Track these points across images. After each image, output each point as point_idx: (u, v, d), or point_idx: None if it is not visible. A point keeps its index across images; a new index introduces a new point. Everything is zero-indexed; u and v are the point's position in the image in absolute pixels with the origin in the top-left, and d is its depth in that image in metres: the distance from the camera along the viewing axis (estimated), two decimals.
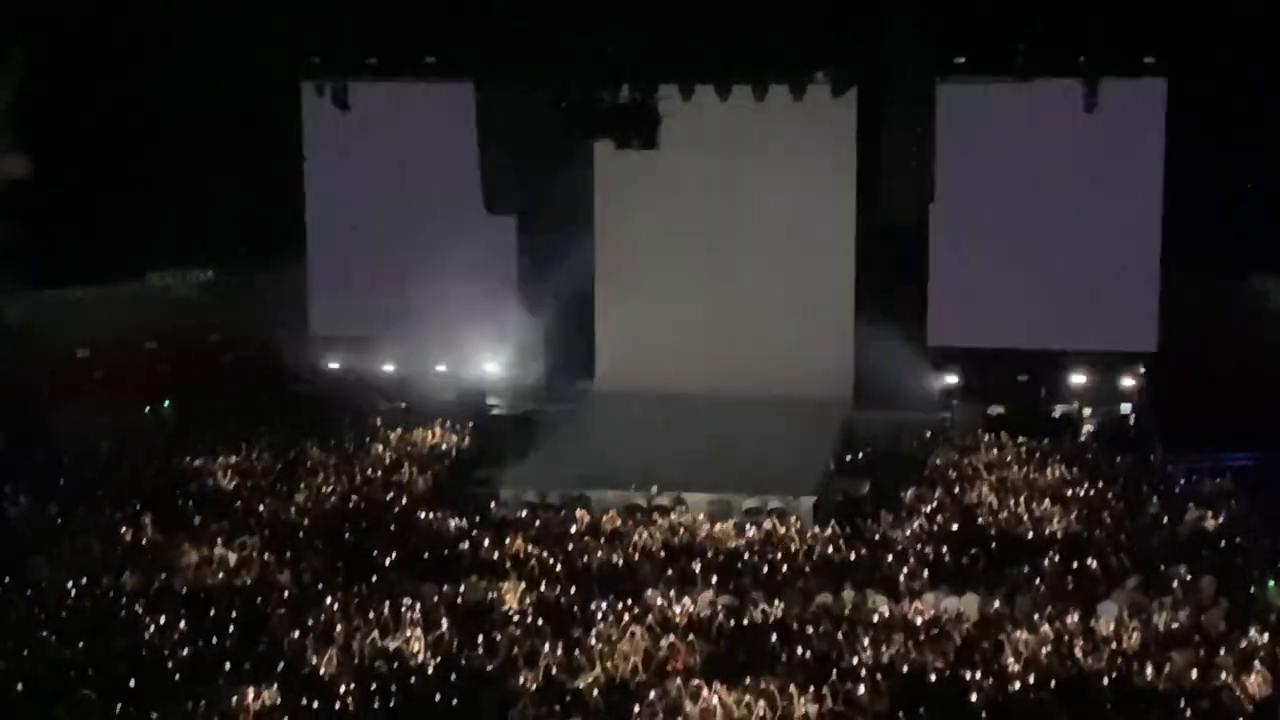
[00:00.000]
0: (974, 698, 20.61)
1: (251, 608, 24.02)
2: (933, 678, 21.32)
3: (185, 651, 22.05)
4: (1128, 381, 37.49)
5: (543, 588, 24.98)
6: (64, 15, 34.33)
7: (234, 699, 20.30)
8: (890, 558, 26.59)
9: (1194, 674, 21.17)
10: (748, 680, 20.61)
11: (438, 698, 20.65)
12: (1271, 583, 24.66)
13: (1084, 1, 33.13)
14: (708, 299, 38.42)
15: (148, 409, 36.49)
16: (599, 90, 34.66)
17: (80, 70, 35.04)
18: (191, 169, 35.35)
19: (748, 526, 28.51)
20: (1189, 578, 25.06)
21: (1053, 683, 20.99)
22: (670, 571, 25.75)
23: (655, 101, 34.48)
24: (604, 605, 23.76)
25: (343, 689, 20.71)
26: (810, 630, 22.94)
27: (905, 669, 21.67)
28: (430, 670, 21.54)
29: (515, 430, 36.17)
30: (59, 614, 23.58)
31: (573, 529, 28.52)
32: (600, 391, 39.29)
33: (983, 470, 32.14)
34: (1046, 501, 29.64)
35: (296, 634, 22.66)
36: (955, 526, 28.46)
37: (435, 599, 24.27)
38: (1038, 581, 25.18)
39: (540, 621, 23.22)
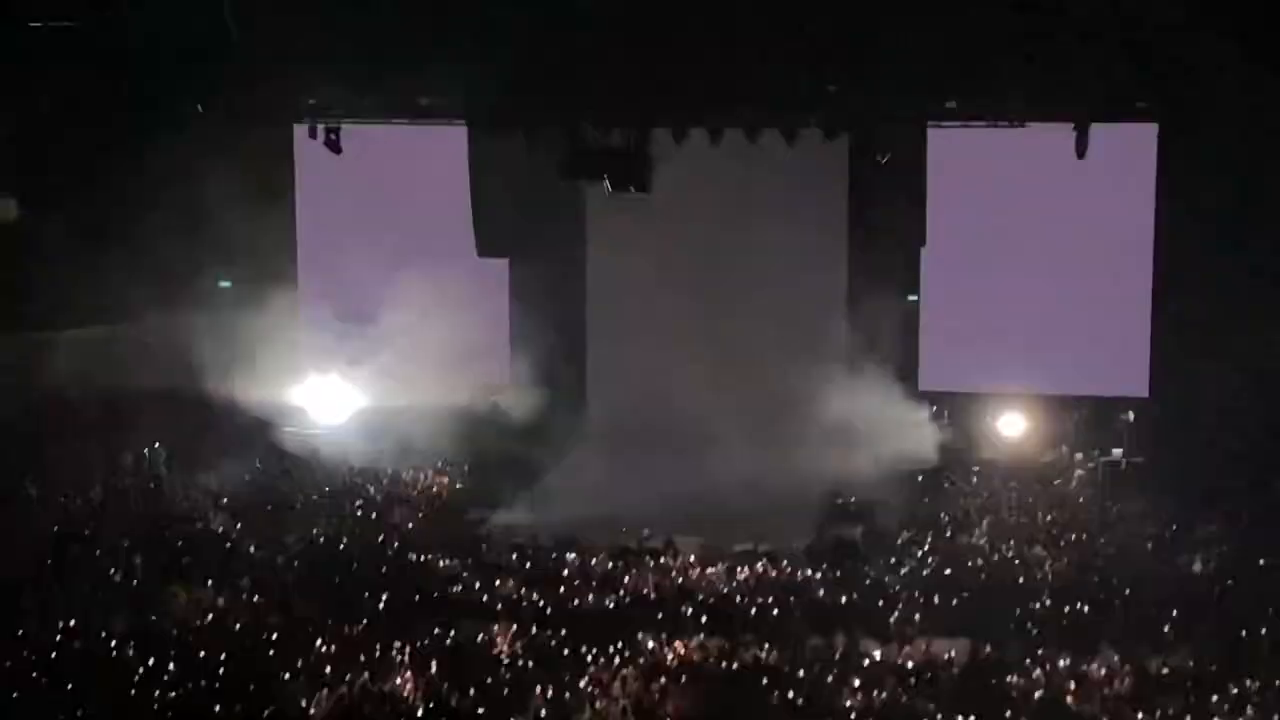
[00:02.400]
0: None
1: (241, 650, 23.95)
2: None
3: (175, 693, 21.98)
4: (1119, 426, 37.46)
5: (533, 630, 24.93)
6: (52, 55, 34.34)
7: None
8: (882, 602, 26.55)
9: (1187, 719, 21.16)
10: None
11: None
12: (1264, 629, 24.62)
13: (1075, 47, 33.20)
14: (699, 342, 38.35)
15: (138, 450, 36.37)
16: (591, 133, 34.71)
17: (69, 111, 35.04)
18: (182, 210, 35.34)
19: (739, 570, 28.44)
20: (1181, 622, 25.03)
21: None
22: (661, 615, 25.70)
23: (648, 145, 34.53)
24: (595, 648, 23.72)
25: None
26: (802, 674, 22.91)
27: (897, 714, 21.63)
28: (420, 713, 21.51)
29: (506, 472, 36.08)
30: (48, 655, 23.50)
31: (564, 571, 28.45)
32: (592, 433, 39.24)
33: (975, 514, 32.11)
34: (1038, 546, 29.61)
35: (286, 676, 22.59)
36: (947, 571, 28.42)
37: (426, 641, 24.22)
38: (1030, 626, 25.14)
39: (531, 664, 23.17)
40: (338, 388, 39.63)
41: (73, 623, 24.86)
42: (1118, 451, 37.30)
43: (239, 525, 31.33)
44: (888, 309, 37.78)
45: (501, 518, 32.04)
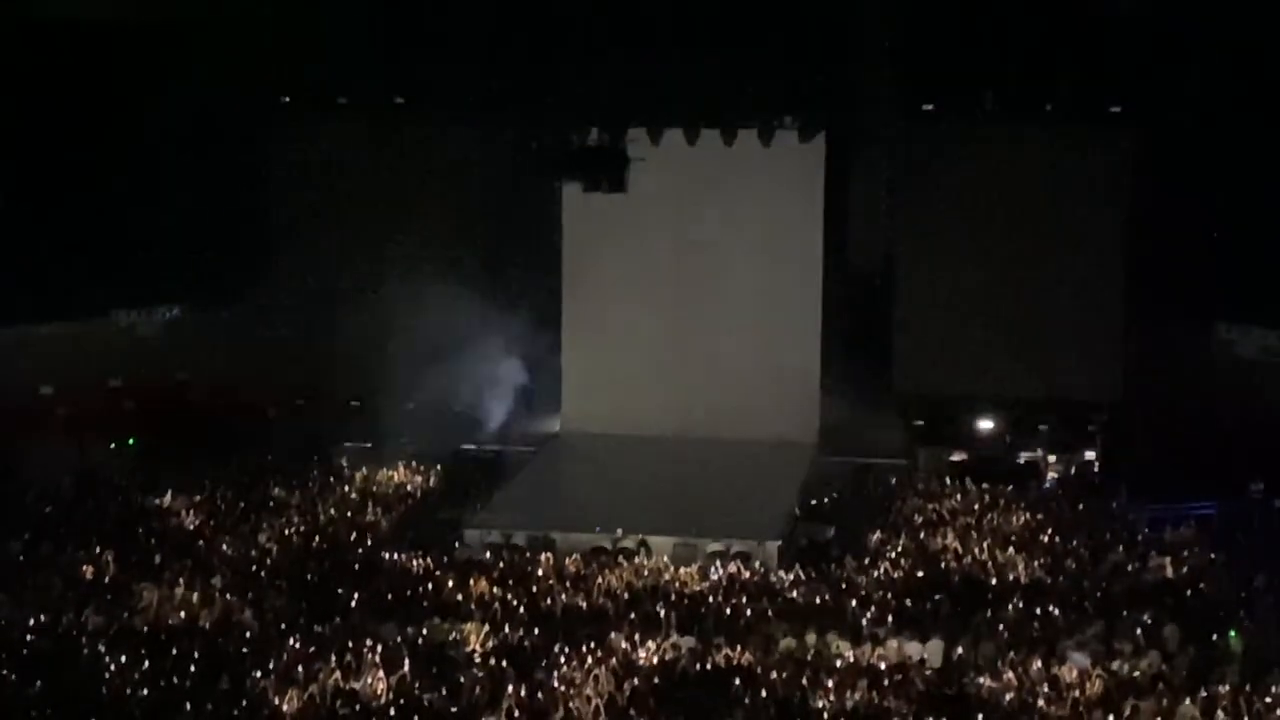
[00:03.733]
0: None
1: (213, 647, 23.91)
2: None
3: (146, 691, 21.94)
4: (1092, 429, 37.58)
5: (506, 629, 24.92)
6: (31, 54, 34.31)
7: None
8: (854, 603, 26.58)
9: None
10: None
11: None
12: (1233, 632, 24.73)
13: (1051, 50, 33.34)
14: (674, 342, 38.40)
15: (111, 446, 36.28)
16: (568, 132, 34.71)
17: (46, 108, 35.01)
18: (158, 206, 35.32)
19: (712, 570, 28.46)
20: (1152, 625, 25.12)
21: None
22: (634, 615, 25.71)
23: (624, 144, 34.53)
24: (567, 648, 23.72)
25: None
26: (774, 674, 22.93)
27: (868, 714, 21.67)
28: (392, 712, 21.48)
29: (480, 471, 36.03)
30: (19, 651, 23.44)
31: (537, 571, 28.43)
32: (566, 433, 39.24)
33: (947, 516, 32.17)
34: (1010, 548, 29.67)
35: (258, 674, 22.56)
36: (919, 572, 28.48)
37: (398, 640, 24.20)
38: (1001, 628, 25.20)
39: (503, 663, 23.16)
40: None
41: (44, 620, 24.74)
42: (1090, 454, 37.47)
43: (212, 523, 31.23)
44: (862, 310, 37.85)
45: (475, 517, 31.95)
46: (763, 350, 37.99)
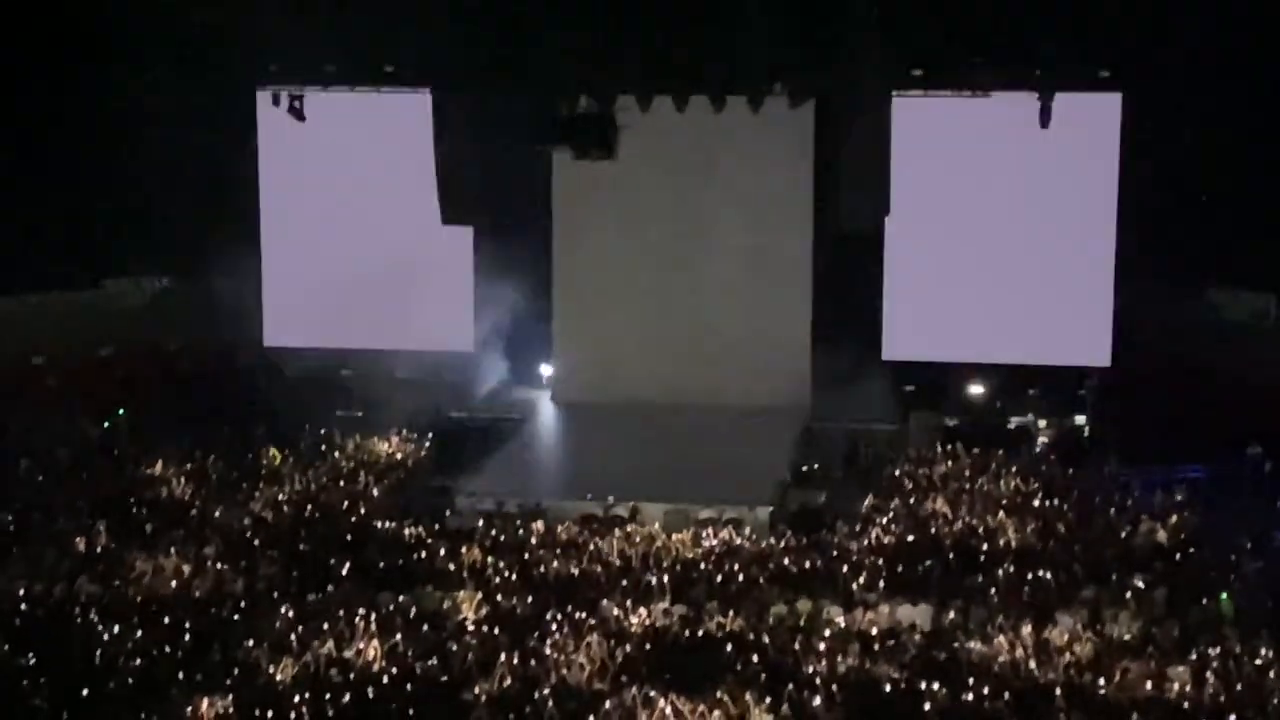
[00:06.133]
0: (928, 708, 20.70)
1: (205, 616, 23.95)
2: (887, 688, 21.41)
3: (139, 660, 21.97)
4: (1082, 394, 37.66)
5: (499, 598, 24.96)
6: (17, 21, 34.15)
7: (188, 708, 20.28)
8: (845, 568, 26.63)
9: (1147, 685, 21.31)
10: (703, 691, 20.64)
11: (392, 707, 20.64)
12: (1224, 595, 24.82)
13: (1039, 16, 33.25)
14: (664, 309, 38.42)
15: (102, 416, 36.27)
16: (557, 100, 34.66)
17: (33, 76, 34.88)
18: (146, 176, 35.23)
19: (704, 537, 28.49)
20: (1142, 589, 25.22)
21: (1006, 693, 21.08)
22: (626, 582, 25.76)
23: (613, 111, 34.50)
24: (559, 615, 23.78)
25: (297, 698, 20.67)
26: (765, 640, 23.01)
27: (860, 679, 21.74)
28: (385, 680, 21.51)
29: (471, 439, 36.06)
30: (12, 621, 23.46)
31: (529, 539, 28.47)
32: (557, 401, 39.29)
33: (938, 482, 32.26)
34: (1001, 513, 29.74)
35: (250, 643, 22.60)
36: (910, 537, 28.54)
37: (390, 608, 24.24)
38: (992, 592, 25.29)
39: (496, 631, 23.21)
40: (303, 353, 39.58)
41: (36, 589, 24.76)
42: (1080, 418, 37.56)
43: (203, 492, 31.25)
44: (852, 277, 37.84)
45: (466, 485, 31.98)
46: (753, 317, 38.00)
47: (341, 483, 32.25)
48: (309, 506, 30.45)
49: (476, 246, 38.92)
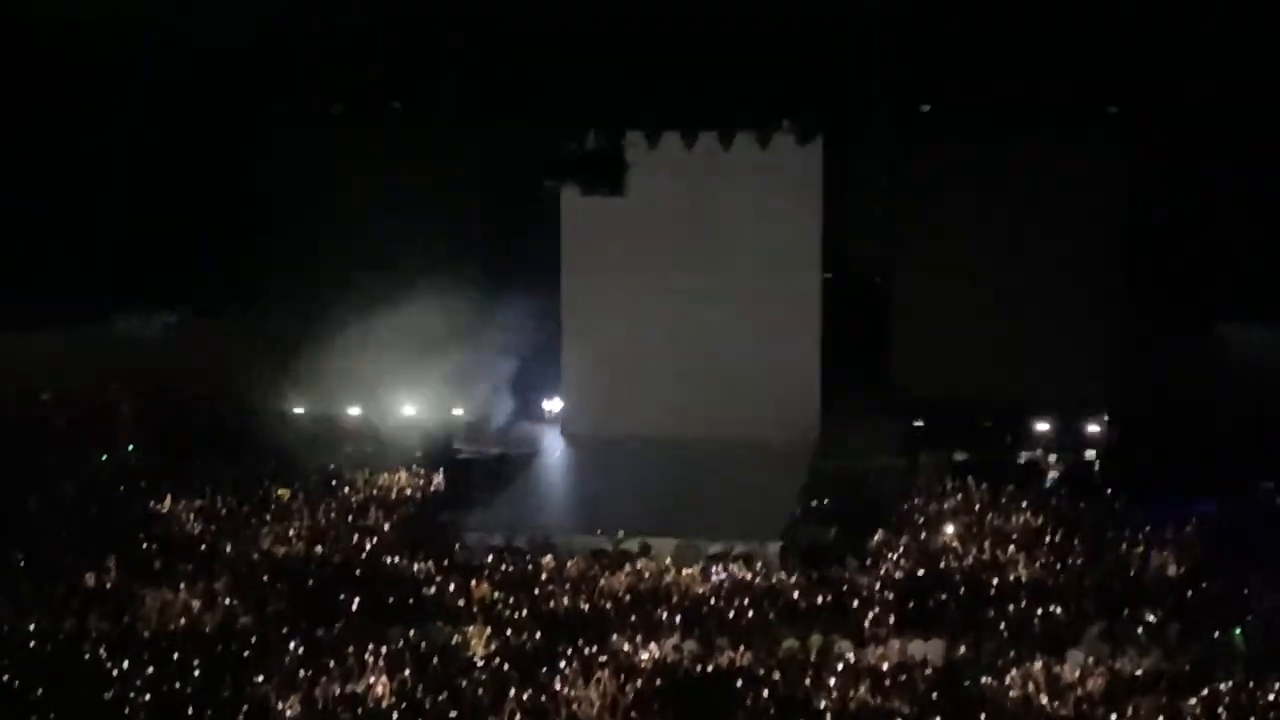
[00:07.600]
0: None
1: (215, 652, 23.90)
2: None
3: (148, 696, 21.93)
4: (1092, 429, 37.58)
5: (508, 633, 24.90)
6: (30, 59, 34.33)
7: None
8: (856, 603, 26.58)
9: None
10: None
11: None
12: (1236, 630, 24.73)
13: (1047, 53, 33.35)
14: (673, 344, 38.36)
15: (112, 452, 36.27)
16: (566, 136, 34.73)
17: (45, 115, 35.03)
18: (157, 213, 35.33)
19: (714, 572, 28.44)
20: (1153, 624, 25.13)
21: None
22: (636, 617, 25.71)
23: (622, 148, 34.56)
24: (569, 650, 23.72)
25: None
26: (776, 676, 22.93)
27: (871, 715, 21.67)
28: (395, 716, 21.46)
29: (481, 475, 36.01)
30: (23, 658, 23.43)
31: (539, 574, 28.42)
32: (566, 436, 39.24)
33: (948, 516, 32.17)
34: (1011, 548, 29.68)
35: (260, 678, 22.56)
36: (921, 572, 28.49)
37: (400, 644, 24.19)
38: (1003, 627, 25.21)
39: (505, 666, 23.16)
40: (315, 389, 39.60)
41: (46, 626, 24.74)
42: (1091, 454, 37.46)
43: (213, 527, 31.23)
44: (862, 312, 37.83)
45: (476, 520, 31.93)
46: (763, 352, 37.96)
47: (351, 518, 32.20)
48: (318, 542, 30.40)
49: (486, 282, 38.89)
